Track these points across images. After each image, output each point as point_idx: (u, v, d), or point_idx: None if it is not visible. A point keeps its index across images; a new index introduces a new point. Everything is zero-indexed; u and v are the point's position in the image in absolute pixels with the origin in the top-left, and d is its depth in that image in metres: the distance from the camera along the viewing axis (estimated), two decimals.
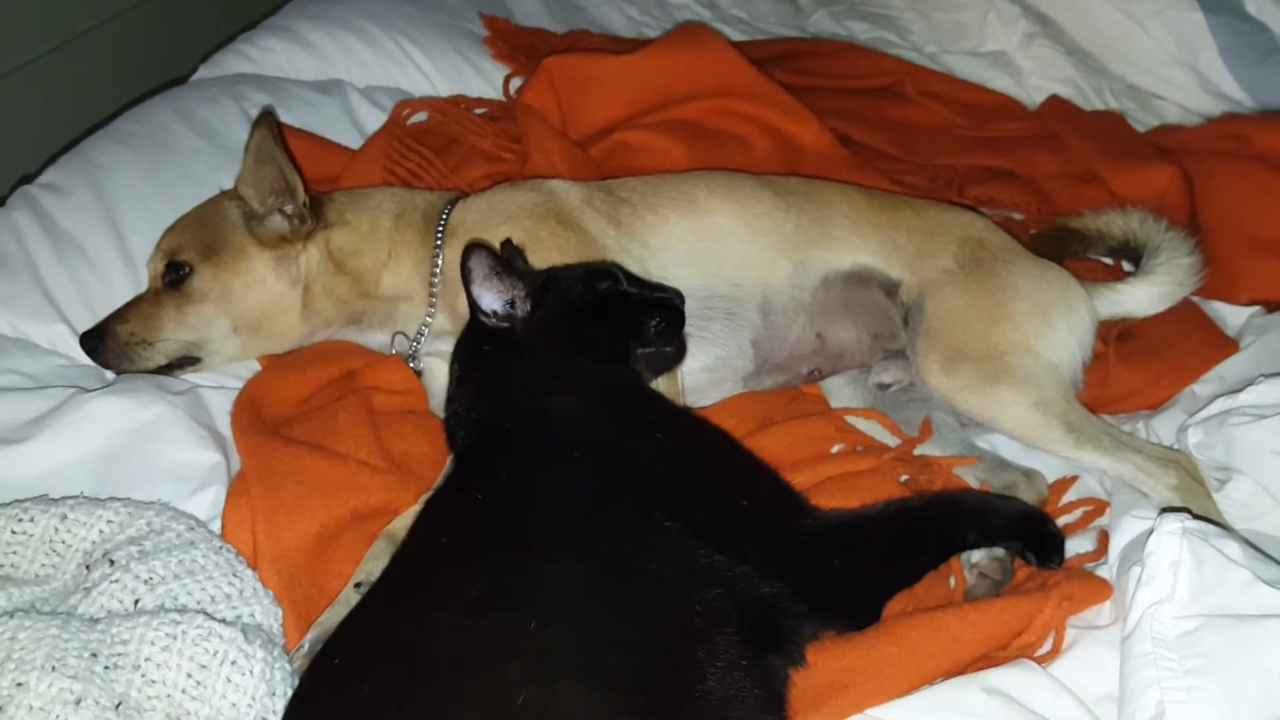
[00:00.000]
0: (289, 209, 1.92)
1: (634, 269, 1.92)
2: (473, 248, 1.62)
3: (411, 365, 1.97)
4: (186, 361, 1.93)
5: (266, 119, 1.90)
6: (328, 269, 1.95)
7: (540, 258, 1.84)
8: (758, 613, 1.36)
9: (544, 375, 1.62)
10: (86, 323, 1.96)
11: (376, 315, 1.98)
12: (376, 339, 2.00)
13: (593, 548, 1.33)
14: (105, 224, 2.11)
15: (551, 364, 1.64)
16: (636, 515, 1.38)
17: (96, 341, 1.89)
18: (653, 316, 1.70)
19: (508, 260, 1.70)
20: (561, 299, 1.70)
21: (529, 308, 1.66)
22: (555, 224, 1.93)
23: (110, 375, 1.93)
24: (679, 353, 1.74)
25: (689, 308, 1.90)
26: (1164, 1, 3.03)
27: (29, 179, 2.22)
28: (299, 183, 1.91)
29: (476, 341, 1.70)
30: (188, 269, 1.90)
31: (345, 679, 1.24)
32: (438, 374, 1.93)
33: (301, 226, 1.93)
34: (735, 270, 1.99)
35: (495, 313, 1.66)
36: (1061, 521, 1.82)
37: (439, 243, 1.94)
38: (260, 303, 1.92)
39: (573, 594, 1.26)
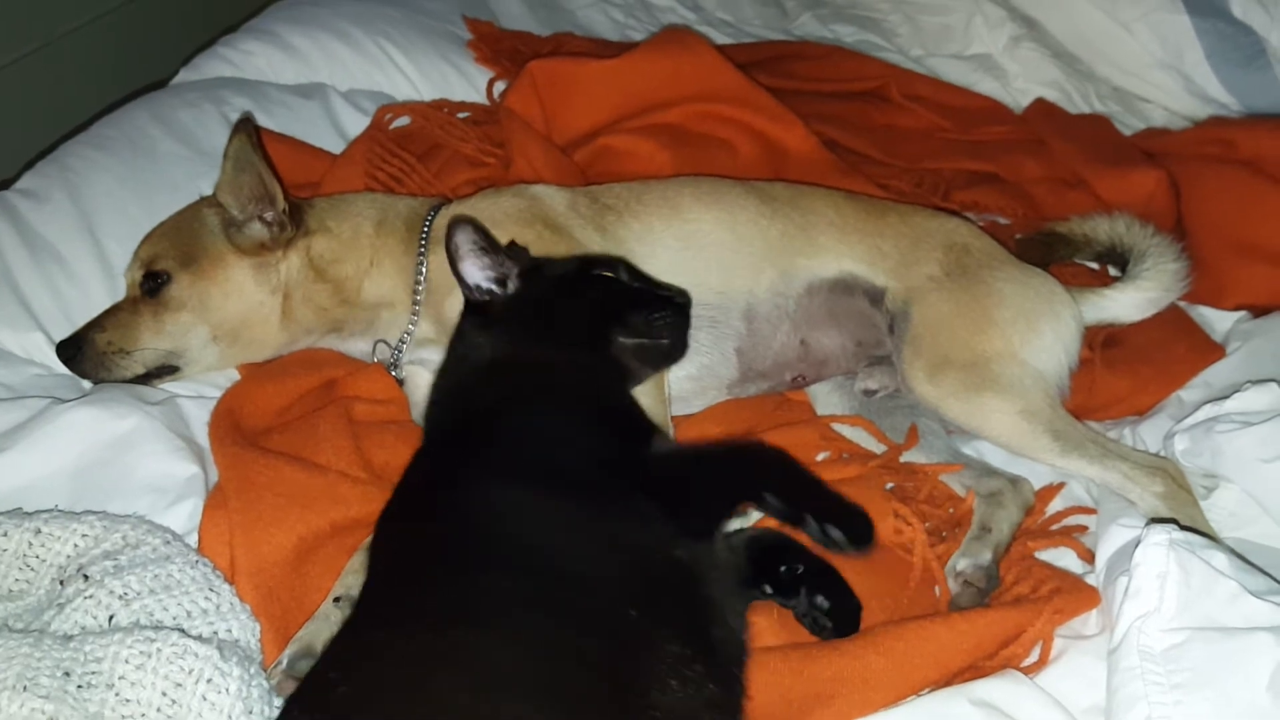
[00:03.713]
0: (268, 216, 1.89)
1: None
2: (459, 222, 1.63)
3: (394, 374, 1.94)
4: (165, 371, 1.90)
5: (245, 125, 1.88)
6: (308, 276, 1.93)
7: None
8: (686, 586, 1.33)
9: (503, 367, 1.60)
10: (63, 331, 1.94)
11: (358, 323, 1.96)
12: (358, 347, 1.98)
13: (529, 554, 1.29)
14: (83, 230, 2.08)
15: (515, 349, 1.61)
16: (572, 516, 1.34)
17: (74, 351, 1.87)
18: (643, 308, 1.65)
19: (495, 240, 1.69)
20: (549, 277, 1.69)
21: (516, 285, 1.66)
22: (542, 228, 1.91)
23: (87, 385, 1.91)
24: (675, 348, 1.69)
25: None
26: (1150, 4, 3.03)
27: (6, 185, 2.20)
28: (278, 190, 1.89)
29: (462, 320, 1.69)
30: (166, 277, 1.87)
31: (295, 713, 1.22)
32: (420, 383, 1.91)
33: (281, 234, 1.90)
34: (720, 278, 1.97)
35: (479, 287, 1.65)
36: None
37: (423, 250, 1.92)
38: (239, 311, 1.90)
39: (510, 604, 1.22)
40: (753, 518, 1.63)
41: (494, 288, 1.66)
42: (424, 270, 1.91)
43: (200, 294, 1.88)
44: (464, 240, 1.64)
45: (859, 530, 1.42)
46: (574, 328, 1.64)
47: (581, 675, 1.15)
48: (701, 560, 1.37)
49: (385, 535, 1.44)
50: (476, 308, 1.68)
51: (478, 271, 1.65)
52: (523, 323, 1.64)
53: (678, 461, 1.50)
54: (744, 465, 1.49)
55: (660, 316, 1.65)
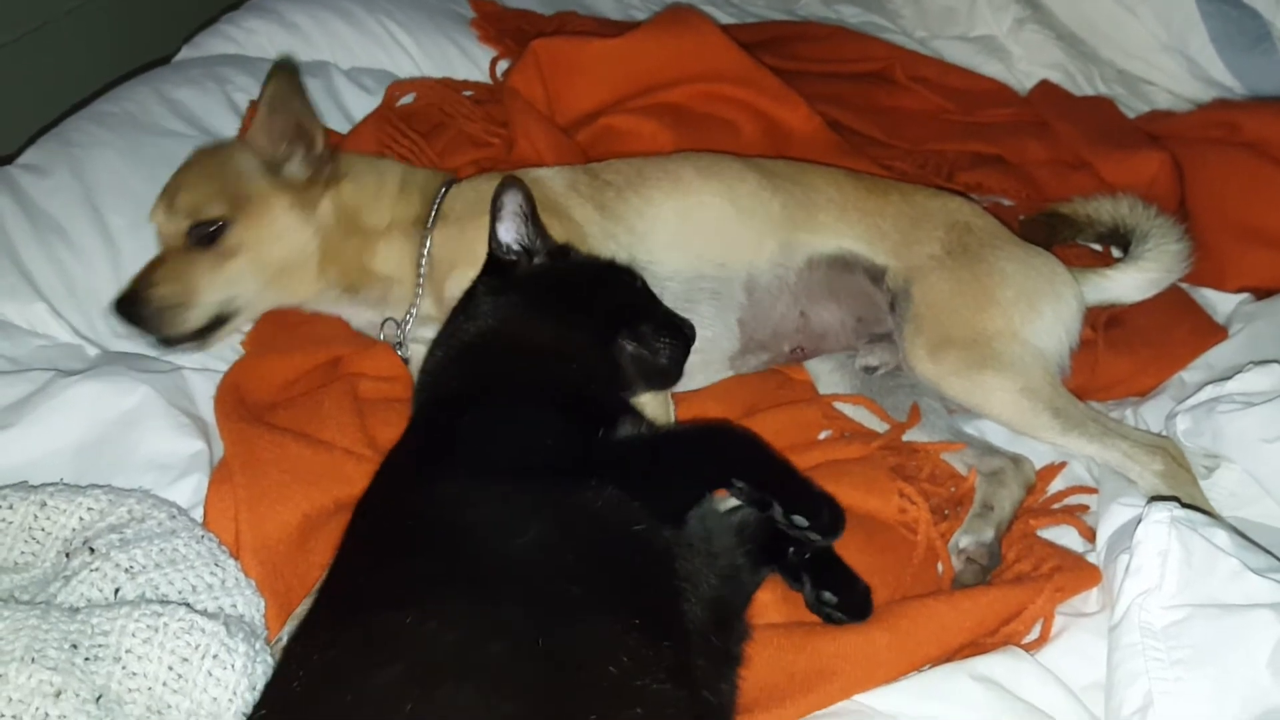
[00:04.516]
0: (307, 156, 1.88)
1: (620, 255, 1.90)
2: (512, 182, 1.66)
3: (400, 353, 1.94)
4: (218, 323, 1.88)
5: (285, 66, 1.85)
6: (339, 223, 1.92)
7: None
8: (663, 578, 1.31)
9: (488, 344, 1.60)
10: (66, 303, 1.94)
11: (373, 290, 1.95)
12: (368, 318, 1.98)
13: (472, 538, 1.28)
14: (84, 204, 2.08)
15: (520, 318, 1.61)
16: (523, 500, 1.32)
17: (135, 308, 1.82)
18: (654, 321, 1.66)
19: (537, 212, 1.71)
20: (576, 262, 1.71)
21: (544, 259, 1.68)
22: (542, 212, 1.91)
23: (91, 355, 1.90)
24: (671, 372, 1.68)
25: (675, 290, 1.88)
26: None
27: (8, 160, 2.19)
28: (319, 129, 1.87)
29: (476, 282, 1.70)
30: (220, 224, 1.83)
31: (261, 709, 1.23)
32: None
33: (319, 174, 1.89)
34: (721, 251, 1.97)
35: (508, 248, 1.67)
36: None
37: (430, 225, 1.92)
38: (287, 253, 1.88)
39: (446, 585, 1.21)
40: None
41: (518, 253, 1.68)
42: (429, 246, 1.90)
43: (255, 238, 1.86)
44: (510, 200, 1.66)
45: (826, 520, 1.42)
46: (585, 314, 1.64)
47: (516, 654, 1.14)
48: (668, 537, 1.35)
49: (355, 515, 1.45)
50: (498, 268, 1.69)
51: (512, 233, 1.67)
52: (539, 294, 1.64)
53: (647, 446, 1.49)
54: (713, 450, 1.48)
55: (666, 337, 1.65)
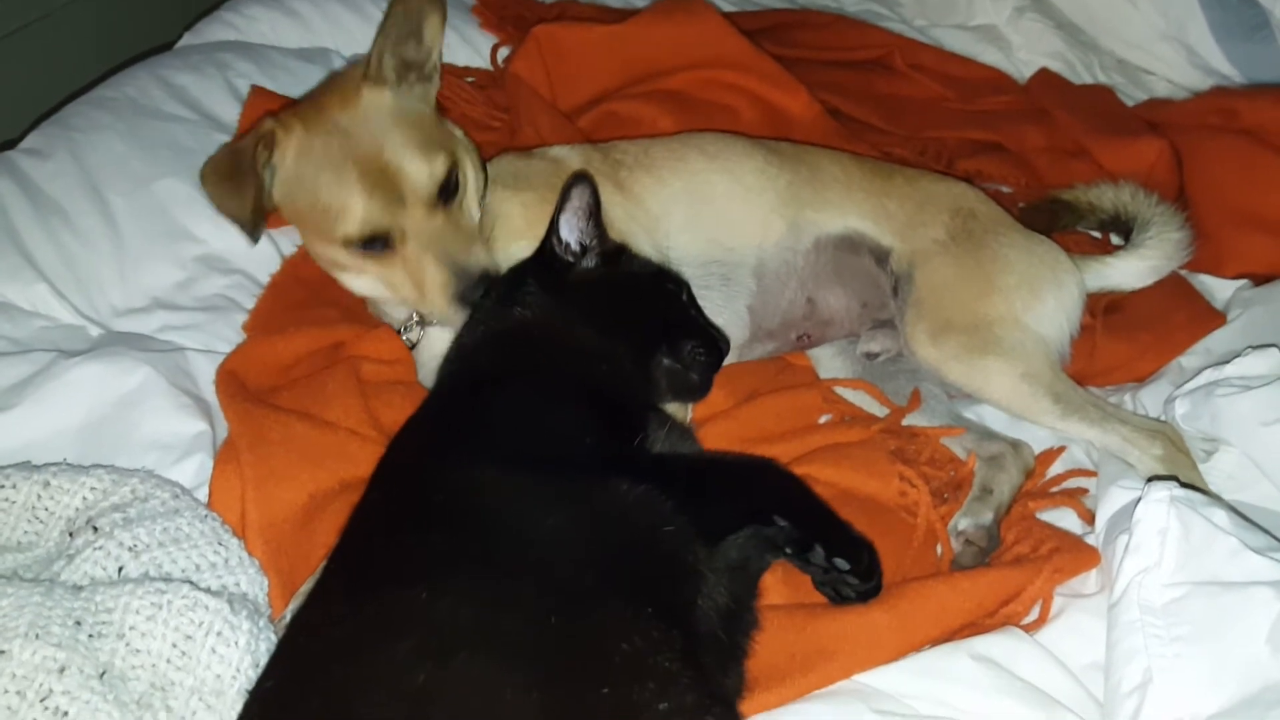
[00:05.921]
0: (426, 88, 1.83)
1: (644, 240, 1.91)
2: (585, 178, 1.67)
3: (409, 336, 1.92)
4: None
5: None
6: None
7: None
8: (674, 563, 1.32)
9: (535, 334, 1.62)
10: (67, 284, 1.95)
11: None
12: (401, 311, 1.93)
13: (491, 520, 1.30)
14: (85, 187, 2.07)
15: (571, 321, 1.63)
16: (545, 488, 1.34)
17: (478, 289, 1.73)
18: (695, 339, 1.68)
19: (600, 212, 1.72)
20: (628, 270, 1.73)
21: (597, 261, 1.69)
22: None
23: (93, 335, 1.90)
24: (702, 387, 1.71)
25: (689, 277, 1.88)
26: None
27: (9, 146, 2.19)
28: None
29: (521, 274, 1.70)
30: (455, 176, 1.78)
31: (269, 679, 1.25)
32: (427, 345, 1.90)
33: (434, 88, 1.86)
34: (729, 232, 1.98)
35: (567, 245, 1.68)
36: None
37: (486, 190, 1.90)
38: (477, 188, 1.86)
39: (463, 561, 1.23)
40: None
41: (575, 253, 1.68)
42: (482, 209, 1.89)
43: (465, 178, 1.82)
44: (579, 195, 1.67)
45: (866, 564, 1.44)
46: (630, 328, 1.66)
47: (529, 630, 1.15)
48: (694, 540, 1.36)
49: (369, 487, 1.46)
50: (554, 267, 1.69)
51: (574, 230, 1.68)
52: (588, 302, 1.66)
53: (693, 468, 1.51)
54: (759, 486, 1.49)
55: (703, 354, 1.67)
